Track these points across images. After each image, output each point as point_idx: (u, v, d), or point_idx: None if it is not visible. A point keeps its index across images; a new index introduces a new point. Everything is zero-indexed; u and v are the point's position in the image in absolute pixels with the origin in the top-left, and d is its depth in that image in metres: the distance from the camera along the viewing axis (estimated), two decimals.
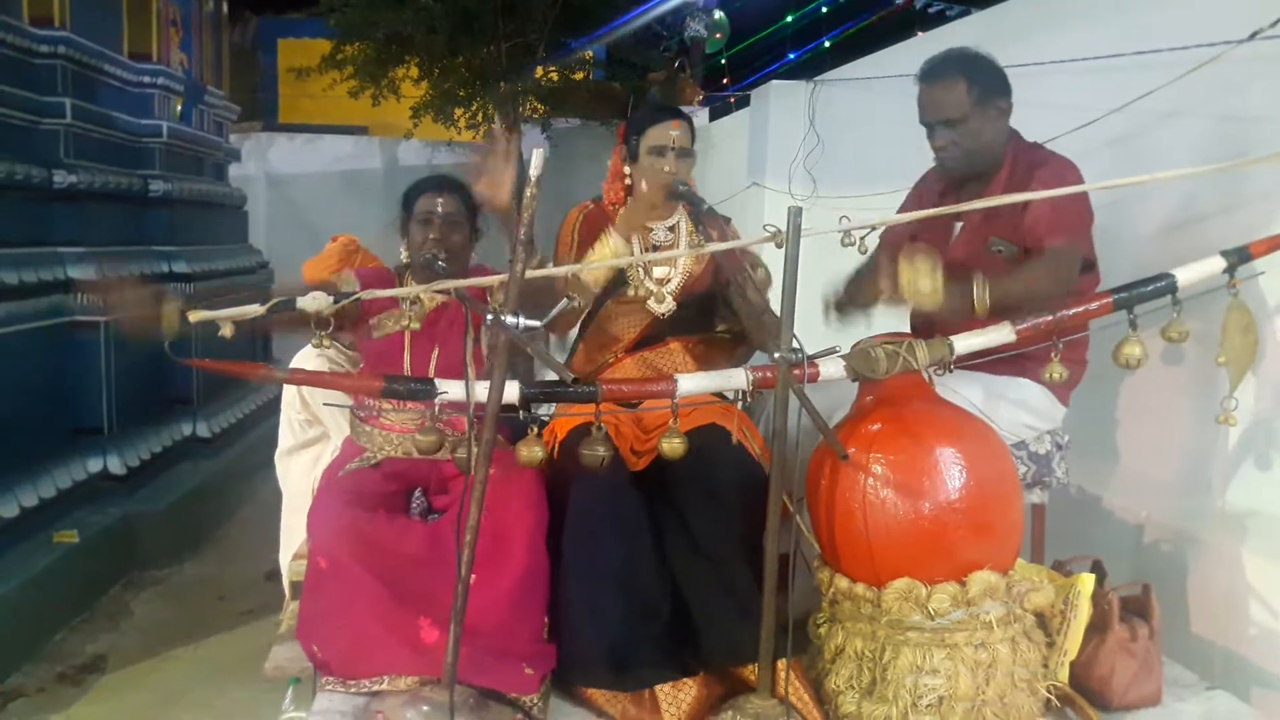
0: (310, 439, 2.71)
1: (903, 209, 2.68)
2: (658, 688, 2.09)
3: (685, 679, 2.11)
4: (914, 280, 2.04)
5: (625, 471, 2.33)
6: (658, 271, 2.59)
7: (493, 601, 2.08)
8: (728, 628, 2.11)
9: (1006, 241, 2.38)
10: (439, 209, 2.43)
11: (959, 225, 2.53)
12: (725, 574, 2.17)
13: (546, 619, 2.21)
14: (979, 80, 2.40)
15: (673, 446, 1.97)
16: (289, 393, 2.71)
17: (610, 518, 2.22)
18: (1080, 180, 2.37)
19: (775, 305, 1.98)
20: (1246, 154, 2.38)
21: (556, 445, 2.36)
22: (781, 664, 2.02)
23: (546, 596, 2.21)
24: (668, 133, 2.51)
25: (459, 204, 2.46)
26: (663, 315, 2.59)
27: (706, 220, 2.55)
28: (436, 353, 2.44)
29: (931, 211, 2.24)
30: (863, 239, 2.26)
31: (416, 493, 2.41)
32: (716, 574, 2.18)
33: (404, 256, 2.52)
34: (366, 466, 2.40)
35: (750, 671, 2.06)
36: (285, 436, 2.73)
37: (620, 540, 2.21)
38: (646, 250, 2.60)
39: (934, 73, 2.45)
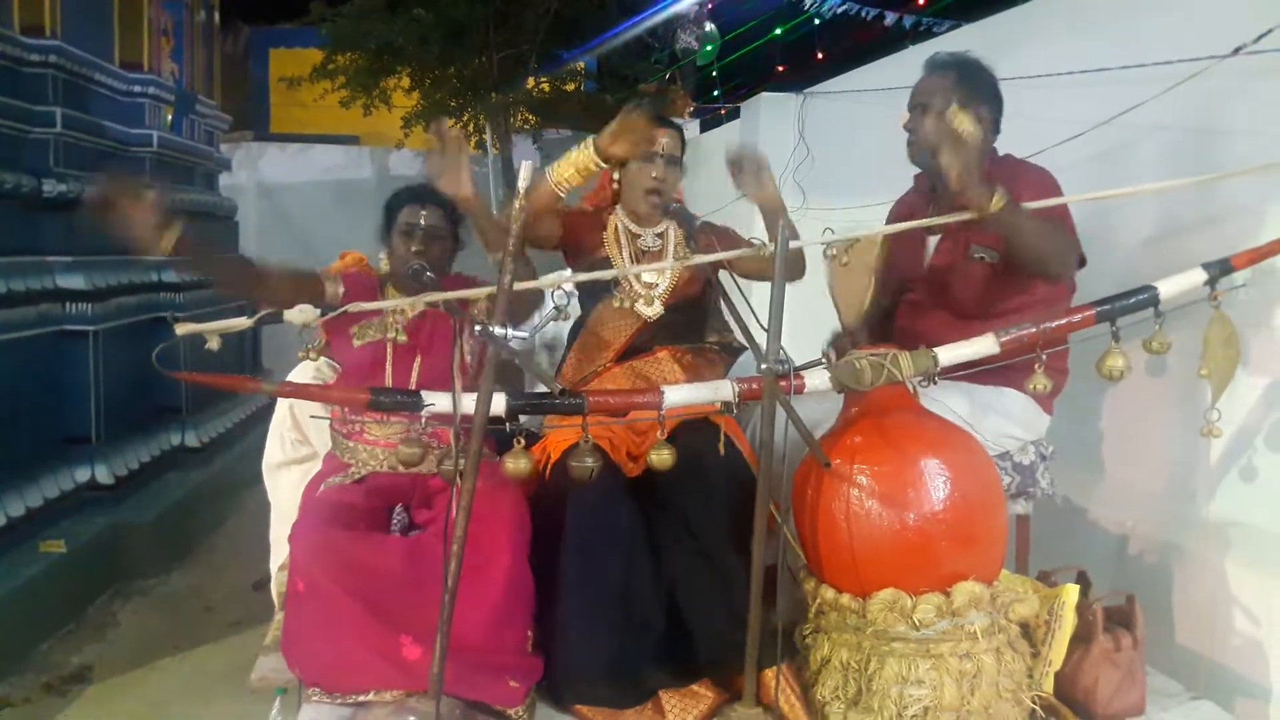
0: (300, 457, 2.70)
1: (888, 222, 2.70)
2: (662, 697, 2.11)
3: (686, 690, 2.12)
4: (963, 118, 2.07)
5: (622, 482, 2.32)
6: (646, 275, 2.59)
7: (476, 614, 2.07)
8: (726, 634, 2.09)
9: (988, 248, 2.40)
10: (422, 221, 2.44)
11: (934, 239, 2.55)
12: (725, 578, 2.16)
13: (531, 632, 2.21)
14: (969, 82, 2.43)
15: (661, 458, 1.97)
16: (281, 408, 2.71)
17: (607, 533, 2.22)
18: (1058, 187, 2.39)
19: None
20: (1229, 167, 2.40)
21: (550, 464, 2.33)
22: (768, 673, 2.02)
23: (531, 609, 2.21)
24: (658, 139, 2.54)
25: (442, 216, 2.46)
26: (651, 318, 2.58)
27: (699, 233, 2.56)
28: (419, 363, 2.43)
29: (918, 223, 2.26)
30: (845, 250, 2.29)
31: (398, 508, 2.37)
32: (717, 579, 2.17)
33: (384, 265, 2.52)
34: (349, 482, 2.37)
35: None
36: (274, 451, 2.72)
37: (617, 556, 2.20)
38: (636, 256, 2.61)
39: (934, 61, 2.51)
